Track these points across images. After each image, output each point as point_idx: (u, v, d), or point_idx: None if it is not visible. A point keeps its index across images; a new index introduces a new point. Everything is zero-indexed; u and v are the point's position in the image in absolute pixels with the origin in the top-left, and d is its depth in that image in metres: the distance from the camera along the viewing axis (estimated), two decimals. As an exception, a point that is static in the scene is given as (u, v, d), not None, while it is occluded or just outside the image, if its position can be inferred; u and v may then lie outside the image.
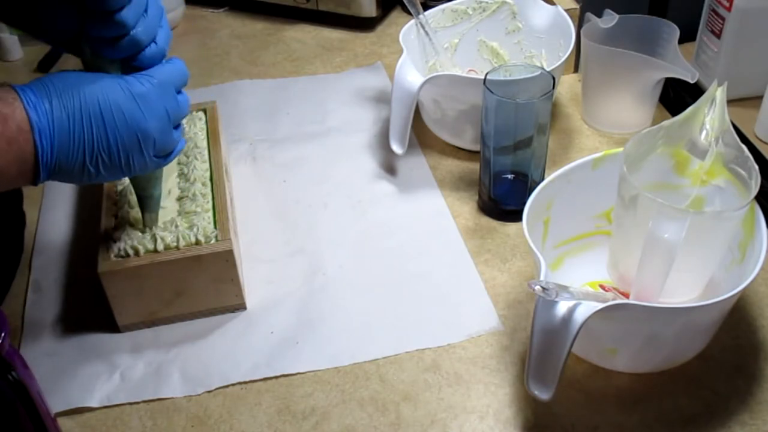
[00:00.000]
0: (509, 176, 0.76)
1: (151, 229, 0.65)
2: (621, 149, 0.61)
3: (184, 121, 0.77)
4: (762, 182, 0.57)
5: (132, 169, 0.56)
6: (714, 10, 0.82)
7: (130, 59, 0.56)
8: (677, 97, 0.88)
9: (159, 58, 0.57)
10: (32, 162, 0.52)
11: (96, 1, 0.53)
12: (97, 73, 0.55)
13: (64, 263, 0.74)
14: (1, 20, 0.73)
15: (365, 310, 0.68)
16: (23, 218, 0.77)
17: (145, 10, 0.55)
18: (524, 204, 0.61)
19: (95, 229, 0.67)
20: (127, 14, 0.54)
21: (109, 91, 0.54)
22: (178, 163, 0.72)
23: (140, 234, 0.65)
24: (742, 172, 0.58)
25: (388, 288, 0.70)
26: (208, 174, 0.72)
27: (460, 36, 0.90)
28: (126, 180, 0.70)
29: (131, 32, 0.55)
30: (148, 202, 0.65)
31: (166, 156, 0.59)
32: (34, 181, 0.53)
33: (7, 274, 0.72)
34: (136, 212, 0.67)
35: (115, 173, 0.56)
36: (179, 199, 0.69)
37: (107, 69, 0.56)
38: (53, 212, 0.80)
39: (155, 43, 0.56)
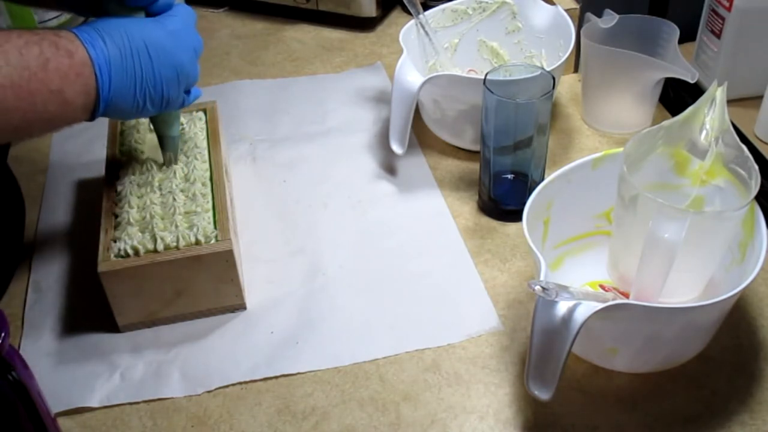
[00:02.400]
0: (509, 176, 0.76)
1: (170, 166, 0.71)
2: (621, 149, 0.61)
3: (184, 120, 0.77)
4: (762, 182, 0.57)
5: (169, 103, 0.63)
6: (714, 10, 0.82)
7: (148, 6, 0.62)
8: (677, 97, 0.88)
9: (171, 4, 0.64)
10: (94, 95, 0.58)
11: None
12: (133, 17, 0.62)
13: (64, 263, 0.74)
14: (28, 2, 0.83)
15: (365, 310, 0.68)
16: (23, 216, 0.77)
17: None
18: (524, 204, 0.61)
19: (95, 229, 0.66)
20: None
21: (150, 30, 0.60)
22: (178, 163, 0.72)
23: (140, 234, 0.65)
24: (742, 172, 0.58)
25: (388, 288, 0.70)
26: (208, 174, 0.72)
27: (460, 36, 0.90)
28: (126, 180, 0.70)
29: None
30: (169, 141, 0.71)
31: (189, 92, 0.66)
32: (93, 115, 0.59)
33: (5, 273, 0.72)
34: (135, 212, 0.67)
35: (156, 106, 0.62)
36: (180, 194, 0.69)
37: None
38: (53, 212, 0.80)
39: None
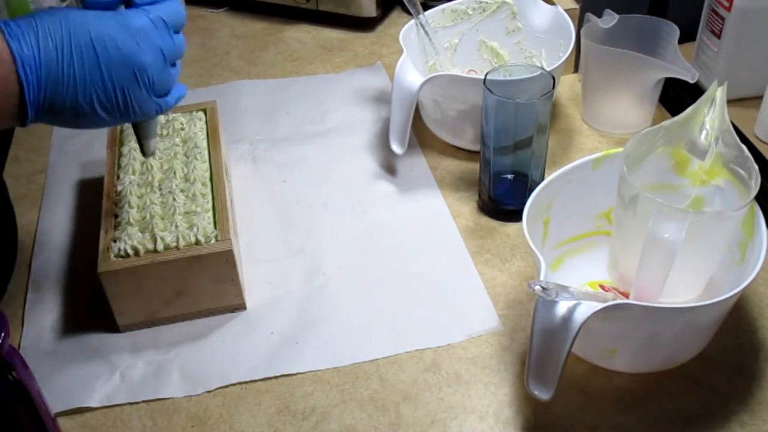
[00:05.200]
0: (509, 176, 0.76)
1: (150, 158, 0.65)
2: (621, 149, 0.61)
3: (184, 121, 0.77)
4: (762, 182, 0.57)
5: (133, 109, 0.54)
6: (714, 10, 0.82)
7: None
8: (677, 97, 0.88)
9: None
10: (17, 97, 0.49)
11: None
12: (90, 9, 0.53)
13: (64, 263, 0.74)
14: None
15: (365, 310, 0.68)
16: (13, 218, 0.76)
17: None
18: (524, 204, 0.61)
19: (95, 229, 0.66)
20: None
21: (102, 24, 0.52)
22: (178, 163, 0.72)
23: (140, 234, 0.65)
24: (742, 172, 0.58)
25: (388, 288, 0.70)
26: (208, 174, 0.72)
27: (460, 36, 0.90)
28: (126, 180, 0.70)
29: None
30: (142, 128, 0.62)
31: (165, 95, 0.57)
32: (23, 120, 0.51)
33: (2, 277, 0.72)
34: (135, 212, 0.67)
35: (110, 111, 0.53)
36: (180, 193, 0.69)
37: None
38: (53, 212, 0.80)
39: None
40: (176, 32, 0.56)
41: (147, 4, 0.55)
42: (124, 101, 0.53)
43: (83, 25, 0.51)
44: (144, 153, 0.64)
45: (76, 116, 0.53)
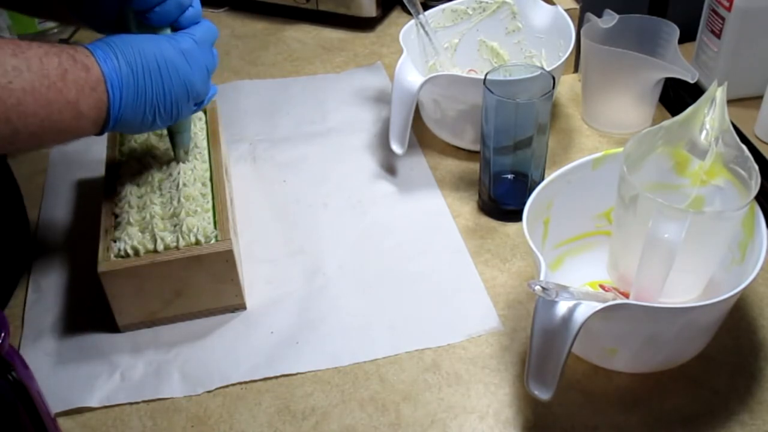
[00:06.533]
0: (509, 176, 0.76)
1: (182, 162, 0.71)
2: (621, 149, 0.61)
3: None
4: (762, 182, 0.57)
5: (178, 117, 0.63)
6: (714, 10, 0.82)
7: (173, 23, 0.63)
8: (677, 97, 0.88)
9: (197, 19, 0.65)
10: (105, 111, 0.58)
11: None
12: (148, 34, 0.62)
13: (64, 263, 0.74)
14: (41, 14, 0.84)
15: (365, 310, 0.68)
16: (27, 223, 0.77)
17: None
18: (524, 204, 0.61)
19: (95, 229, 0.66)
20: None
21: (161, 48, 0.60)
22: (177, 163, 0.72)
23: (140, 234, 0.65)
24: (742, 172, 0.58)
25: (388, 288, 0.70)
26: (208, 174, 0.72)
27: (460, 36, 0.90)
28: (126, 181, 0.70)
29: None
30: (180, 138, 0.70)
31: (200, 103, 0.66)
32: (102, 129, 0.60)
33: (11, 278, 0.72)
34: (135, 212, 0.67)
35: (165, 121, 0.63)
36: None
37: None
38: (53, 212, 0.80)
39: (192, 6, 0.64)
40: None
41: (189, 25, 0.64)
42: (177, 112, 0.63)
43: (149, 50, 0.60)
44: (177, 159, 0.72)
45: (139, 125, 0.61)
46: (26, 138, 0.54)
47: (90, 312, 0.69)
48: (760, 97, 0.80)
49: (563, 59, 0.78)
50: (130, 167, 0.72)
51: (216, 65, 0.65)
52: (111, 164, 0.73)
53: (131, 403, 0.62)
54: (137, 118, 0.60)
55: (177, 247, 0.64)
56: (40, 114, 0.54)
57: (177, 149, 0.71)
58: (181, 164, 0.71)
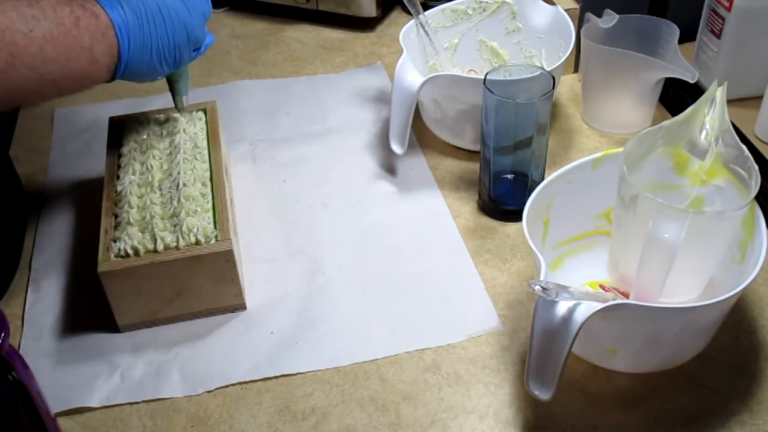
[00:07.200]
0: (509, 176, 0.76)
1: (182, 111, 0.76)
2: (621, 149, 0.61)
3: (184, 120, 0.77)
4: (762, 182, 0.57)
5: (180, 62, 0.67)
6: (714, 10, 0.82)
7: None
8: (677, 97, 0.88)
9: None
10: (116, 56, 0.62)
11: None
12: None
13: (64, 263, 0.74)
14: None
15: (365, 310, 0.68)
16: (26, 214, 0.77)
17: None
18: (524, 204, 0.61)
19: (95, 229, 0.66)
20: None
21: None
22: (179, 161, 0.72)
23: (140, 234, 0.65)
24: (742, 172, 0.58)
25: (388, 288, 0.70)
26: (208, 174, 0.72)
27: (460, 36, 0.90)
28: (126, 180, 0.70)
29: None
30: (178, 86, 0.74)
31: (198, 49, 0.70)
32: (114, 75, 0.63)
33: (6, 274, 0.72)
34: (135, 212, 0.67)
35: (169, 65, 0.66)
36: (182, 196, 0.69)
37: None
38: (53, 212, 0.80)
39: None
40: None
41: None
42: (179, 57, 0.67)
43: None
44: (178, 107, 0.76)
45: (146, 71, 0.65)
46: (49, 85, 0.58)
47: (90, 312, 0.69)
48: (760, 97, 0.80)
49: (563, 59, 0.78)
50: (130, 167, 0.72)
51: (211, 12, 0.70)
52: (111, 164, 0.73)
53: (131, 403, 0.62)
54: (144, 63, 0.64)
55: (177, 247, 0.64)
56: (59, 60, 0.58)
57: (177, 96, 0.75)
58: (181, 164, 0.71)
